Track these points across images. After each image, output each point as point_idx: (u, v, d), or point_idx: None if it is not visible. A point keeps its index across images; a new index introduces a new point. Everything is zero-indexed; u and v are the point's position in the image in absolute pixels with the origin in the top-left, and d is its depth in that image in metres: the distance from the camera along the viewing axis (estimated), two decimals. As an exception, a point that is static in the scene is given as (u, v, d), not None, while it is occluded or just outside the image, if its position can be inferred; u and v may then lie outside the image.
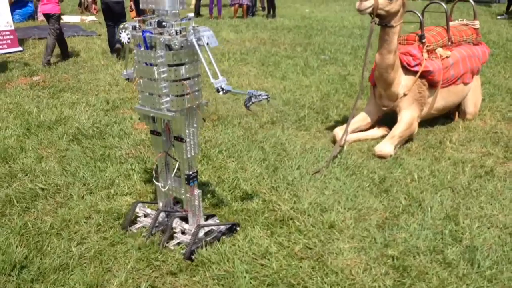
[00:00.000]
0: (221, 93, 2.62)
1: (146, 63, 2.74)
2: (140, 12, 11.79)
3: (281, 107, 5.64)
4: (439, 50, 4.70)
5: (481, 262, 2.87)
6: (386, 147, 4.36)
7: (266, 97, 2.74)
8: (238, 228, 3.20)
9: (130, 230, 3.18)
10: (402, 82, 4.48)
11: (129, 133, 4.80)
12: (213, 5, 13.97)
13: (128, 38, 2.77)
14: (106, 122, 5.07)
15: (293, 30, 11.43)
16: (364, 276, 2.79)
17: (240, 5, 13.95)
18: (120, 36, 2.79)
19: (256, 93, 2.72)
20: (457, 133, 4.84)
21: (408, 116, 4.51)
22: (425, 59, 4.51)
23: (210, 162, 4.16)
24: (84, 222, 3.26)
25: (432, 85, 4.61)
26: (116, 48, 8.19)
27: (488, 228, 3.25)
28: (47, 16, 7.79)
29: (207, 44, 2.62)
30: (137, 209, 3.24)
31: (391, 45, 4.25)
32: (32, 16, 12.26)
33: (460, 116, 5.24)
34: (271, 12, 14.26)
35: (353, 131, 4.69)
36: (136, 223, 3.24)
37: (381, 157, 4.32)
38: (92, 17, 13.06)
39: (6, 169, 3.98)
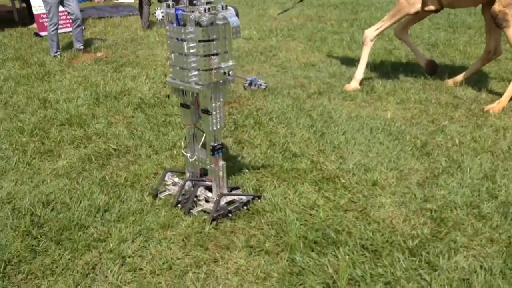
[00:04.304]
0: (228, 76, 2.91)
1: (177, 39, 2.94)
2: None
3: (327, 79, 5.92)
4: None
5: (514, 216, 3.10)
6: (367, 31, 5.54)
7: (265, 86, 3.00)
8: (260, 200, 3.33)
9: (159, 197, 3.38)
10: None
11: (187, 102, 5.20)
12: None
13: (162, 16, 2.98)
14: (165, 93, 5.51)
15: (340, 6, 11.53)
16: (404, 226, 3.08)
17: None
18: (155, 14, 3.03)
19: (258, 81, 2.96)
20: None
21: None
22: None
23: (261, 128, 4.51)
24: (153, 177, 3.70)
25: None
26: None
27: (524, 187, 3.46)
28: None
29: (232, 28, 2.76)
30: (166, 178, 3.44)
31: None
32: (89, -3, 12.92)
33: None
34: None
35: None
36: (164, 191, 3.43)
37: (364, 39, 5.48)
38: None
39: (82, 132, 4.48)
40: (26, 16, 10.08)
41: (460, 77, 5.57)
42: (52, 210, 3.27)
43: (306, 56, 7.12)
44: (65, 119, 4.75)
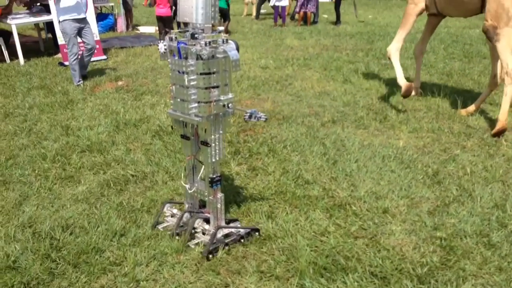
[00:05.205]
0: (227, 108, 2.98)
1: (179, 71, 2.98)
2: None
3: (341, 107, 6.02)
4: None
5: (524, 245, 3.12)
6: (389, 47, 6.06)
7: (265, 119, 3.07)
8: (257, 234, 3.31)
9: (157, 229, 3.39)
10: None
11: (203, 130, 5.35)
12: (278, 14, 14.52)
13: (165, 49, 3.05)
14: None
15: (356, 36, 11.71)
16: (414, 253, 3.12)
17: (305, 12, 14.40)
18: (158, 47, 3.13)
19: (257, 114, 3.05)
20: (514, 132, 5.01)
21: None
22: None
23: (275, 156, 4.61)
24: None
25: None
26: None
27: (535, 217, 3.47)
28: (161, 18, 9.53)
29: (232, 61, 2.82)
30: (165, 209, 3.49)
31: None
32: (112, 27, 13.34)
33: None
34: (339, 19, 14.54)
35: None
36: (163, 223, 3.44)
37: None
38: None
39: (102, 159, 4.64)
40: (52, 46, 10.47)
41: (472, 107, 5.63)
42: (70, 234, 3.39)
43: (321, 85, 7.25)
44: (86, 146, 4.93)
